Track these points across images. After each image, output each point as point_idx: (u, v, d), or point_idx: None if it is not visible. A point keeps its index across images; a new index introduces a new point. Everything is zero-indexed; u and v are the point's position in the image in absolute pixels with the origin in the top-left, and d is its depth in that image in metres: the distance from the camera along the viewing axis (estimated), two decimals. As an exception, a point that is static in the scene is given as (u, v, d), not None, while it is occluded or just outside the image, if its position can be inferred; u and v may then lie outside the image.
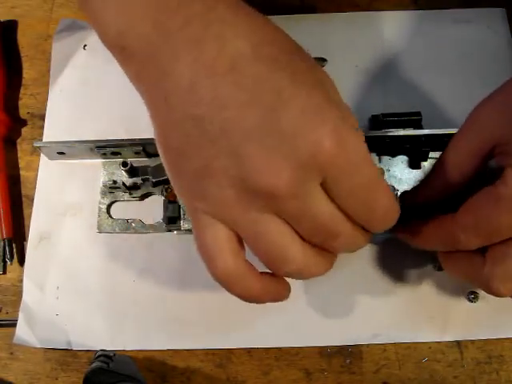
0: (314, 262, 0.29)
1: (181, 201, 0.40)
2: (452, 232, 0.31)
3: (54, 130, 0.46)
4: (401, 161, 0.43)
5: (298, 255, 0.28)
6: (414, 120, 0.42)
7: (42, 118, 0.47)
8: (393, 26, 0.48)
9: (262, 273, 0.30)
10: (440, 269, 0.40)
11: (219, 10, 0.26)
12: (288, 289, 0.32)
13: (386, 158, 0.43)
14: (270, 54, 0.26)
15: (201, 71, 0.25)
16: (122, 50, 0.27)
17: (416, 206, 0.36)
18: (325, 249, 0.29)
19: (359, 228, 0.29)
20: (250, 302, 0.30)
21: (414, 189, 0.37)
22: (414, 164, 0.43)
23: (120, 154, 0.43)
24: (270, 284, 0.30)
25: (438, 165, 0.34)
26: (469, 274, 0.32)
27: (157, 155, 0.43)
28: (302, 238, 0.28)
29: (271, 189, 0.25)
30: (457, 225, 0.31)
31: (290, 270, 0.28)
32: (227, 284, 0.29)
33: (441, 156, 0.34)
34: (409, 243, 0.36)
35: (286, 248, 0.28)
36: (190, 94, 0.25)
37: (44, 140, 0.45)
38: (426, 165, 0.43)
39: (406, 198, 0.38)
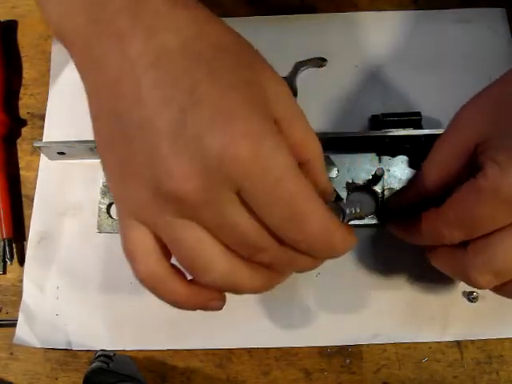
0: (244, 274, 0.27)
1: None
2: (436, 227, 0.31)
3: (54, 130, 0.46)
4: (401, 161, 0.43)
5: (221, 264, 0.26)
6: (414, 120, 0.42)
7: (42, 118, 0.47)
8: (393, 26, 0.48)
9: (191, 280, 0.28)
10: None
11: (154, 2, 0.25)
12: (220, 299, 0.30)
13: (385, 158, 0.43)
14: (198, 49, 0.24)
15: (126, 65, 0.24)
16: (62, 40, 0.28)
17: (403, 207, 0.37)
18: (260, 264, 0.27)
19: (293, 248, 0.27)
20: (177, 307, 0.29)
21: (400, 191, 0.38)
22: (413, 164, 0.43)
23: (120, 153, 0.43)
24: (197, 292, 0.28)
25: (425, 165, 0.34)
26: (452, 267, 0.32)
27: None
28: (229, 247, 0.26)
29: (179, 193, 0.24)
30: (440, 219, 0.31)
31: (212, 279, 0.27)
32: (149, 287, 0.28)
33: (427, 156, 0.34)
34: (399, 238, 0.36)
35: (205, 255, 0.26)
36: (115, 88, 0.25)
37: (44, 140, 0.45)
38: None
39: (392, 203, 0.38)
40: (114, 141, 0.26)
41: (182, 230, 0.25)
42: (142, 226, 0.27)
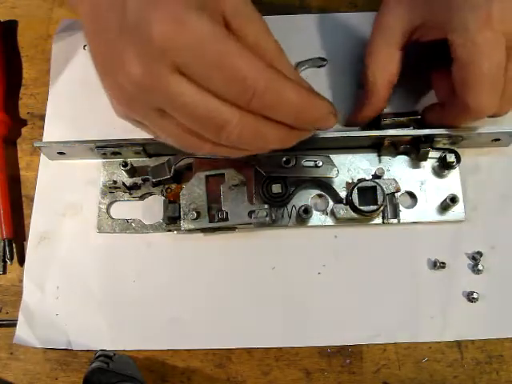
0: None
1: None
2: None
3: (54, 129, 0.46)
4: (401, 160, 0.43)
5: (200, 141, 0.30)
6: (412, 120, 0.42)
7: (42, 118, 0.47)
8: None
9: None
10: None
11: None
12: None
13: (385, 158, 0.43)
14: None
15: None
16: None
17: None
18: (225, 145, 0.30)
19: (255, 117, 0.29)
20: None
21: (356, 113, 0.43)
22: (414, 164, 0.43)
23: (120, 153, 0.43)
24: None
25: (370, 71, 0.40)
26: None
27: (157, 155, 0.44)
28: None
29: (131, 81, 0.27)
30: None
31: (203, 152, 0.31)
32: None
33: (369, 60, 0.40)
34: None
35: (183, 136, 0.30)
36: None
37: (44, 140, 0.45)
38: (427, 164, 0.43)
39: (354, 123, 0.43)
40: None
41: (158, 121, 0.29)
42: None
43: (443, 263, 0.41)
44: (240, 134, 0.29)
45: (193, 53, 0.26)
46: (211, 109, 0.28)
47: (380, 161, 0.43)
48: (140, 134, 0.44)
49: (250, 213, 0.39)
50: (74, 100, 0.47)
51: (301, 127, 0.31)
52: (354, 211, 0.40)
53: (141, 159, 0.44)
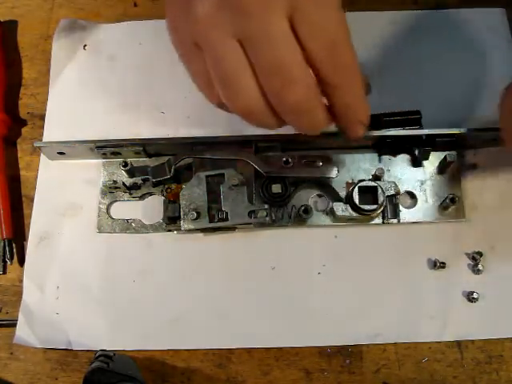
0: (264, 109, 0.30)
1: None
2: None
3: (54, 129, 0.46)
4: (401, 160, 0.43)
5: (250, 90, 0.29)
6: (414, 119, 0.42)
7: (42, 118, 0.47)
8: (393, 26, 0.48)
9: None
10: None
11: None
12: None
13: (386, 158, 0.43)
14: None
15: None
16: None
17: None
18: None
19: (317, 88, 0.30)
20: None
21: None
22: (416, 163, 0.43)
23: (120, 153, 0.43)
24: None
25: None
26: None
27: (157, 155, 0.44)
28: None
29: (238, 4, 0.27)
30: None
31: (241, 105, 0.30)
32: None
33: None
34: None
35: (239, 77, 0.29)
36: None
37: (44, 140, 0.46)
38: (427, 164, 0.43)
39: None
40: None
41: (227, 50, 0.28)
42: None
43: (443, 263, 0.41)
44: (299, 99, 0.29)
45: (316, 12, 0.28)
46: (294, 61, 0.28)
47: (380, 160, 0.43)
48: (140, 134, 0.44)
49: (250, 213, 0.39)
50: (74, 100, 0.47)
51: (341, 121, 0.32)
52: (353, 210, 0.40)
53: (141, 159, 0.44)
